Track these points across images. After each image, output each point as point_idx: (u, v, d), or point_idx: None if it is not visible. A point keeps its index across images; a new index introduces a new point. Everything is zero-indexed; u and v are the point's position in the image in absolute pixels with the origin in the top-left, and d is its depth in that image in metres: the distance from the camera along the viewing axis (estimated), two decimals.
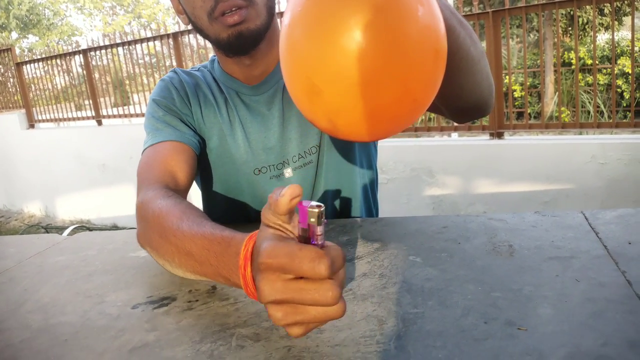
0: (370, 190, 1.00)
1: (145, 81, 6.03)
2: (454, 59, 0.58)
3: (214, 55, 0.95)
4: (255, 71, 0.89)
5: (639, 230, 0.64)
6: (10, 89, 7.33)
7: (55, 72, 6.50)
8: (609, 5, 3.36)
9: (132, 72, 5.98)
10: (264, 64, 0.88)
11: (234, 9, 0.75)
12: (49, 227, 5.69)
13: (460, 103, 0.71)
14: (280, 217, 0.43)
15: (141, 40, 5.44)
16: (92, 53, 5.89)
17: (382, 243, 0.70)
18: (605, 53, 8.30)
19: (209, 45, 5.35)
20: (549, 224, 0.69)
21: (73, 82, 6.50)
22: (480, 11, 3.51)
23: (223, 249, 0.52)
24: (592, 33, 3.40)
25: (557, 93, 3.70)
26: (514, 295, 0.51)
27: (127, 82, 6.20)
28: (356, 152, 0.94)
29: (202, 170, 0.94)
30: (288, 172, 0.90)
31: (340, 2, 0.38)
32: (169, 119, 0.87)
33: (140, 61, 6.04)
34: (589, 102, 7.49)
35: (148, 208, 0.69)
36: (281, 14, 3.41)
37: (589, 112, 7.32)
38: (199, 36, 5.17)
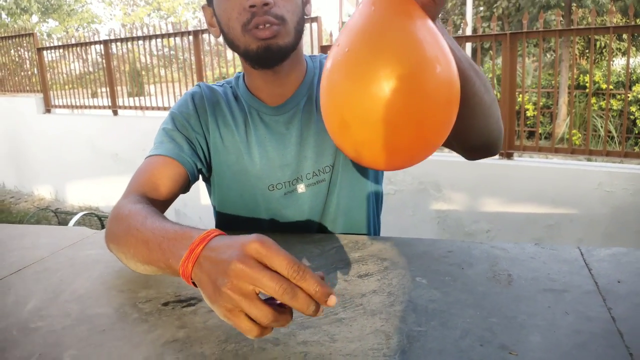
0: (377, 208, 1.07)
1: (162, 73, 6.13)
2: (469, 104, 0.66)
3: (239, 72, 1.02)
4: (277, 89, 0.95)
5: (629, 270, 0.69)
6: (27, 72, 7.45)
7: (73, 57, 6.61)
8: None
9: (149, 63, 6.08)
10: (286, 83, 0.95)
11: (267, 24, 0.82)
12: (58, 211, 5.78)
13: (471, 142, 0.78)
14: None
15: (162, 36, 5.53)
16: (113, 44, 5.99)
17: (391, 262, 0.76)
18: (621, 79, 8.31)
19: None
20: (546, 257, 0.75)
21: (89, 69, 6.60)
22: (498, 32, 3.57)
23: (177, 237, 0.60)
24: (609, 57, 3.44)
25: (569, 116, 3.75)
26: (508, 322, 0.57)
27: (144, 72, 6.30)
28: (369, 173, 1.00)
29: (217, 183, 0.99)
30: (301, 188, 0.96)
31: (373, 56, 0.46)
32: (175, 135, 0.94)
33: (158, 52, 6.13)
34: (602, 127, 7.50)
35: (120, 211, 0.77)
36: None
37: (600, 136, 7.34)
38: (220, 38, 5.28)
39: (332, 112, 0.51)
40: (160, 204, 0.86)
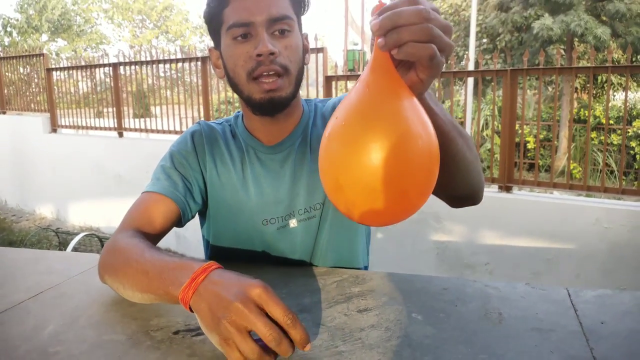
0: (366, 244, 1.12)
1: (167, 94, 6.24)
2: (452, 161, 0.75)
3: (238, 112, 1.08)
4: (274, 131, 1.01)
5: (613, 311, 0.74)
6: (34, 89, 7.57)
7: (81, 77, 6.73)
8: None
9: (155, 84, 6.19)
10: (283, 126, 1.01)
11: (271, 72, 0.88)
12: (59, 231, 5.81)
13: (454, 193, 0.87)
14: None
15: (170, 60, 5.64)
16: (121, 66, 6.10)
17: (389, 297, 0.80)
18: (621, 114, 8.42)
19: None
20: (536, 297, 0.79)
21: (96, 89, 6.71)
22: (499, 68, 3.65)
23: (178, 267, 0.68)
24: (610, 92, 3.53)
25: (569, 150, 3.82)
26: (497, 359, 0.61)
27: (149, 94, 6.40)
28: None
29: (212, 217, 1.04)
30: (293, 223, 1.00)
31: (364, 130, 0.54)
32: (172, 173, 0.99)
33: (165, 74, 6.25)
34: (602, 161, 7.56)
35: (116, 244, 0.84)
36: None
37: (600, 170, 7.39)
38: None
39: (328, 174, 0.58)
40: (153, 238, 0.92)
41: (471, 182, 0.84)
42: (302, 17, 0.98)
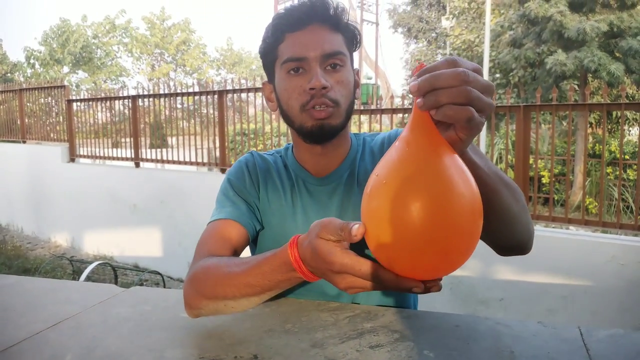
0: None
1: (184, 125, 6.35)
2: (496, 214, 0.77)
3: (289, 144, 1.12)
4: (323, 162, 1.04)
5: (625, 352, 0.73)
6: (54, 119, 7.75)
7: (100, 109, 6.89)
8: None
9: (172, 116, 6.30)
10: (331, 157, 1.04)
11: (323, 106, 0.92)
12: (73, 260, 5.86)
13: (500, 244, 0.88)
14: (341, 241, 0.64)
15: (188, 94, 5.76)
16: (140, 99, 6.25)
17: (401, 334, 0.80)
18: (636, 149, 8.36)
19: (250, 100, 5.64)
20: (548, 335, 0.79)
21: (114, 120, 6.86)
22: (512, 104, 3.68)
23: (272, 264, 0.75)
24: (625, 127, 3.53)
25: (584, 185, 3.82)
26: None
27: (166, 125, 6.52)
28: None
29: (260, 241, 1.06)
30: None
31: (405, 190, 0.55)
32: (235, 199, 1.02)
33: (182, 106, 6.38)
34: (617, 197, 7.48)
35: (197, 272, 0.86)
36: None
37: (615, 205, 7.30)
38: (242, 95, 5.47)
39: (370, 232, 0.59)
40: None
41: (517, 233, 0.85)
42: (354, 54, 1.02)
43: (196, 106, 6.26)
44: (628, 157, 8.24)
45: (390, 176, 0.57)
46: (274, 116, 6.39)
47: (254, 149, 4.81)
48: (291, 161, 1.08)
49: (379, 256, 0.60)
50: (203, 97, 5.74)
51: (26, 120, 8.07)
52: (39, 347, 0.79)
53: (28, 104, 8.09)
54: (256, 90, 5.25)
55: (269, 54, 0.98)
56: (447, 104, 0.54)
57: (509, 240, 0.86)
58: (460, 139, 0.58)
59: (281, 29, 0.95)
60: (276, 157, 1.11)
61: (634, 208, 6.89)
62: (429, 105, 0.55)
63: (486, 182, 0.72)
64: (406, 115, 4.45)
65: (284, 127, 5.70)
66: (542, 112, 3.87)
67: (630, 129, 10.48)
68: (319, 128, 0.94)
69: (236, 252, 0.97)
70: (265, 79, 1.06)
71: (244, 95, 5.50)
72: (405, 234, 0.54)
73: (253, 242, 1.09)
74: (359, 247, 0.67)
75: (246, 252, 1.05)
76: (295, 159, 1.08)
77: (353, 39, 0.99)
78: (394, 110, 4.53)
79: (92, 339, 0.81)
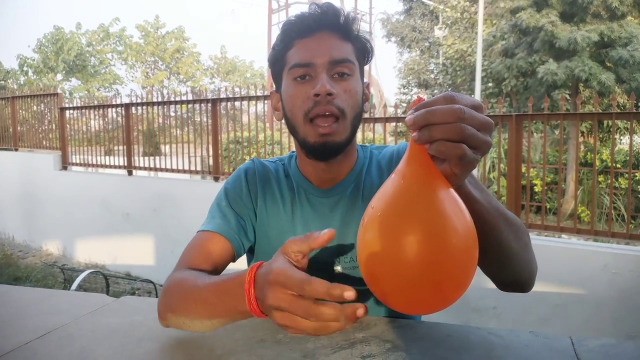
0: None
1: (177, 133, 6.35)
2: (494, 250, 0.77)
3: (293, 152, 1.09)
4: (327, 175, 1.01)
5: None
6: (46, 127, 7.72)
7: (93, 116, 6.87)
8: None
9: (166, 124, 6.29)
10: (336, 171, 1.01)
11: (327, 113, 0.90)
12: (65, 268, 5.81)
13: (499, 280, 0.88)
14: (307, 250, 0.61)
15: (182, 102, 5.76)
16: (133, 107, 6.24)
17: (392, 344, 0.80)
18: (628, 158, 8.41)
19: (244, 108, 5.64)
20: (539, 345, 0.79)
21: (107, 127, 6.84)
22: (504, 113, 3.70)
23: (230, 285, 0.70)
24: (616, 136, 3.56)
25: (575, 193, 3.85)
26: None
27: (159, 133, 6.51)
28: None
29: (257, 253, 1.04)
30: (338, 269, 0.99)
31: (399, 224, 0.55)
32: (227, 212, 0.99)
33: (176, 114, 6.37)
34: (609, 205, 7.53)
35: (171, 283, 0.85)
36: None
37: (607, 214, 7.34)
38: (236, 103, 5.47)
39: (365, 264, 0.59)
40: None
41: (515, 271, 0.84)
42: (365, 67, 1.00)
43: (190, 114, 6.26)
44: (619, 166, 8.29)
45: (384, 209, 0.57)
46: (267, 124, 6.40)
47: (254, 156, 4.81)
48: (294, 170, 1.05)
49: (373, 289, 0.59)
50: (197, 105, 5.74)
51: (18, 128, 8.03)
52: (27, 358, 0.78)
53: (21, 112, 8.05)
54: (249, 98, 5.25)
55: (277, 62, 0.96)
56: (441, 140, 0.54)
57: (506, 276, 0.86)
58: (455, 173, 0.58)
59: (290, 36, 0.93)
60: (278, 165, 1.08)
61: (625, 216, 6.94)
62: (423, 140, 0.55)
63: (484, 217, 0.72)
64: (399, 124, 4.46)
65: (277, 135, 5.70)
66: (534, 121, 3.90)
67: (622, 137, 10.56)
68: (322, 145, 0.91)
69: (216, 268, 0.95)
70: (274, 88, 1.04)
71: (237, 103, 5.50)
72: (397, 268, 0.54)
73: (250, 253, 1.07)
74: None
75: (243, 263, 1.04)
76: (298, 169, 1.05)
77: (364, 50, 0.97)
78: (387, 119, 4.54)
79: (82, 350, 0.80)
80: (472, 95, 10.75)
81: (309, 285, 0.57)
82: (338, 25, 0.93)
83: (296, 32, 0.93)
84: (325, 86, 0.88)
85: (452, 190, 0.57)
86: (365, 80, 1.01)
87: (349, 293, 0.55)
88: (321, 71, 0.90)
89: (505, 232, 0.76)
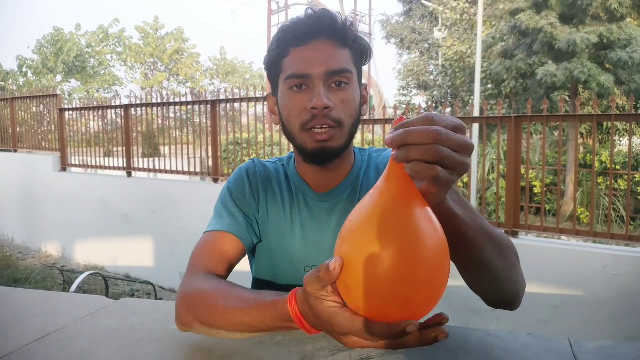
0: None
1: (177, 135, 6.35)
2: (477, 268, 0.77)
3: (291, 153, 1.08)
4: (324, 179, 1.01)
5: None
6: (46, 128, 7.72)
7: (92, 117, 6.87)
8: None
9: (165, 125, 6.29)
10: (333, 175, 1.01)
11: (325, 126, 0.90)
12: (64, 270, 5.81)
13: (484, 297, 0.88)
14: (328, 286, 0.61)
15: (181, 103, 5.76)
16: (132, 108, 6.24)
17: None
18: (627, 159, 8.41)
19: (243, 109, 5.65)
20: (538, 347, 0.79)
21: (106, 128, 6.84)
22: (503, 115, 3.71)
23: (272, 314, 0.73)
24: (615, 137, 3.56)
25: (575, 195, 3.85)
26: None
27: (158, 134, 6.51)
28: None
29: (257, 253, 1.04)
30: None
31: (372, 239, 0.56)
32: (234, 211, 1.00)
33: (175, 115, 6.37)
34: (608, 206, 7.52)
35: (193, 292, 0.85)
36: None
37: (607, 215, 7.35)
38: (235, 104, 5.47)
39: (341, 275, 0.60)
40: (223, 276, 0.93)
41: (500, 290, 0.84)
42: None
43: (189, 115, 6.26)
44: (619, 168, 8.30)
45: (360, 224, 0.58)
46: (267, 126, 6.41)
47: (254, 157, 4.80)
48: (292, 172, 1.05)
49: (347, 301, 0.60)
50: (196, 107, 5.74)
51: (18, 129, 8.03)
52: (26, 359, 0.78)
53: (20, 113, 8.05)
54: (249, 100, 5.26)
55: (273, 67, 0.96)
56: (416, 160, 0.55)
57: (490, 294, 0.86)
58: (432, 192, 0.59)
59: (286, 43, 0.92)
60: (278, 165, 1.08)
61: (625, 218, 6.94)
62: (400, 159, 0.56)
63: (466, 234, 0.72)
64: None
65: (277, 136, 5.70)
66: (533, 123, 3.91)
67: (621, 139, 10.56)
68: (320, 150, 0.91)
69: (231, 267, 0.96)
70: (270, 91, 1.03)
71: (237, 104, 5.50)
72: (368, 282, 0.56)
73: (251, 252, 1.07)
74: None
75: (244, 262, 1.05)
76: (296, 171, 1.05)
77: (362, 53, 0.96)
78: (386, 121, 4.55)
79: (81, 352, 0.80)
80: (472, 97, 10.77)
81: (370, 331, 0.59)
82: (335, 32, 0.91)
83: (291, 39, 0.92)
84: (322, 100, 0.88)
85: (427, 209, 0.58)
86: (364, 81, 1.00)
87: (411, 327, 0.56)
88: (318, 82, 0.89)
89: (488, 250, 0.76)
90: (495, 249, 0.77)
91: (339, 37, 0.92)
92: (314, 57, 0.90)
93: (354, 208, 0.62)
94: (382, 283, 0.55)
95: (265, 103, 5.35)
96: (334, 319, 0.61)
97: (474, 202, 5.74)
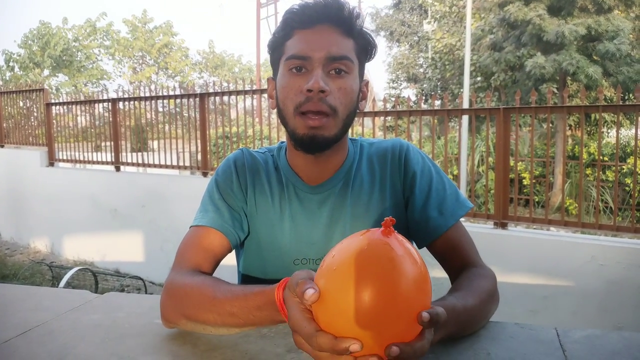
0: None
1: (166, 129, 6.30)
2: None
3: (282, 142, 1.06)
4: (316, 171, 0.99)
5: (601, 352, 0.74)
6: (33, 123, 7.63)
7: (79, 112, 6.80)
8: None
9: (154, 119, 6.24)
10: (325, 166, 0.99)
11: (318, 111, 0.88)
12: (53, 265, 5.76)
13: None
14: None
15: (169, 97, 5.72)
16: (120, 102, 6.18)
17: None
18: (615, 151, 8.49)
19: (232, 103, 5.61)
20: (525, 337, 0.79)
21: (95, 123, 6.77)
22: (492, 107, 3.71)
23: (259, 302, 0.71)
24: (604, 129, 3.58)
25: (563, 186, 3.87)
26: None
27: (147, 128, 6.46)
28: None
29: (246, 247, 1.02)
30: None
31: (348, 283, 0.55)
32: (220, 205, 0.98)
33: (164, 109, 6.32)
34: (596, 198, 7.59)
35: (178, 287, 0.84)
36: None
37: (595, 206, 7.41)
38: (224, 98, 5.44)
39: (317, 304, 0.59)
40: (208, 273, 0.93)
41: (474, 330, 0.84)
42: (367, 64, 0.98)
43: (178, 109, 6.22)
44: (607, 159, 8.36)
45: (341, 264, 0.57)
46: (256, 119, 6.37)
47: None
48: (283, 163, 1.03)
49: (317, 321, 0.60)
50: (185, 100, 5.70)
51: (4, 124, 7.93)
52: (8, 355, 0.77)
53: (7, 108, 7.94)
54: (237, 93, 5.22)
55: (276, 49, 0.95)
56: None
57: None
58: None
59: (291, 25, 0.91)
60: (267, 156, 1.05)
61: (613, 208, 7.01)
62: None
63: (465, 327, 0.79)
64: (388, 118, 4.46)
65: (266, 130, 5.68)
66: (521, 115, 3.92)
67: (609, 131, 10.64)
68: (310, 138, 0.90)
69: (217, 262, 0.95)
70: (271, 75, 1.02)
71: (226, 98, 5.47)
72: (339, 320, 0.56)
73: (240, 245, 1.05)
74: None
75: (231, 257, 1.04)
76: (287, 162, 1.02)
77: (366, 47, 0.95)
78: (375, 114, 4.54)
79: (63, 347, 0.79)
80: (461, 90, 10.76)
81: (315, 340, 0.57)
82: (340, 20, 0.90)
83: (297, 21, 0.91)
84: (318, 82, 0.86)
85: (407, 249, 0.59)
86: (365, 78, 0.99)
87: (355, 346, 0.55)
88: (317, 66, 0.88)
89: (479, 326, 0.83)
90: (485, 318, 0.84)
91: (344, 25, 0.91)
92: (317, 40, 0.89)
93: (338, 243, 0.61)
94: (353, 324, 0.54)
95: (255, 96, 5.33)
96: (292, 311, 0.61)
97: (463, 194, 5.75)
